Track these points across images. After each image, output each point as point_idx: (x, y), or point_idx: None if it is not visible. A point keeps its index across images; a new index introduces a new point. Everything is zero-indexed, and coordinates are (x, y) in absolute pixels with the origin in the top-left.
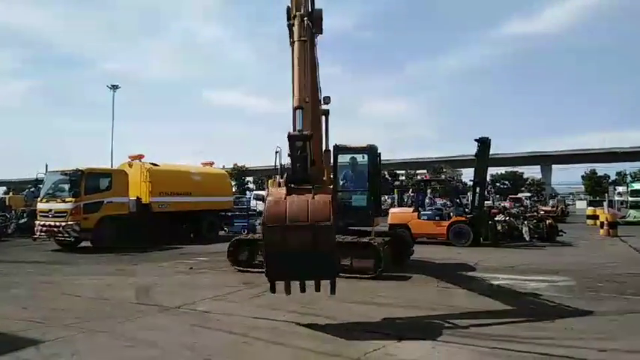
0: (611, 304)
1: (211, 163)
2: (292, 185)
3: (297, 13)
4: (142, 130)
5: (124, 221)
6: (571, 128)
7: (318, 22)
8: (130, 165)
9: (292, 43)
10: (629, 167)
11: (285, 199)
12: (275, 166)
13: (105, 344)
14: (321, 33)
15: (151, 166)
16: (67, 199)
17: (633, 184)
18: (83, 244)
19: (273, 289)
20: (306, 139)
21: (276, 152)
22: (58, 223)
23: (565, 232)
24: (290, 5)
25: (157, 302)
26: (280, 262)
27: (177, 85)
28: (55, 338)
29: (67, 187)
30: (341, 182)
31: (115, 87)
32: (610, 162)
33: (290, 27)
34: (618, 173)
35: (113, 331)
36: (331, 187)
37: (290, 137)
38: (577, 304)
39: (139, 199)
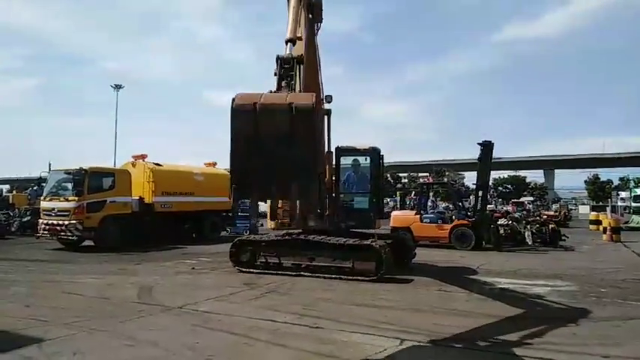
0: (614, 310)
1: (214, 164)
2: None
3: None
4: (142, 129)
5: (126, 221)
6: (574, 133)
7: (317, 10)
8: (133, 164)
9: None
10: (632, 173)
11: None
12: None
13: (106, 343)
14: (321, 22)
15: (154, 165)
16: (70, 198)
17: (636, 190)
18: (86, 243)
19: (234, 203)
20: (299, 62)
21: None
22: (60, 222)
23: (568, 237)
24: None
25: (158, 302)
26: (248, 163)
27: (178, 85)
28: (56, 337)
29: (70, 186)
30: (343, 184)
31: (118, 87)
32: (613, 167)
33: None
34: (621, 179)
35: (115, 331)
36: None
37: (278, 59)
38: (580, 310)
39: (141, 199)
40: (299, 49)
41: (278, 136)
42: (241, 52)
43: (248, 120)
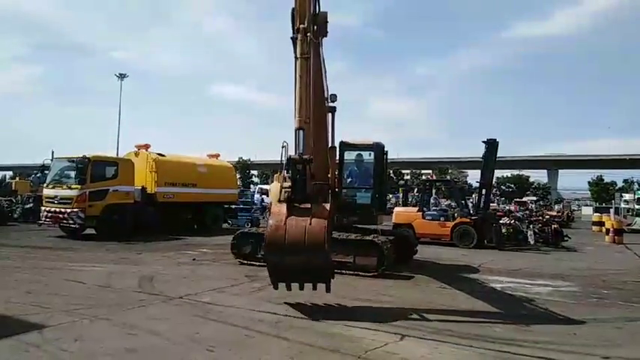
0: (615, 311)
1: (217, 155)
2: (294, 204)
3: (301, 27)
4: (147, 120)
5: (128, 210)
6: (579, 133)
7: (322, 25)
8: (137, 154)
9: (296, 58)
10: (636, 175)
11: (285, 223)
12: (281, 160)
13: (107, 331)
14: (326, 36)
15: (157, 156)
16: (72, 186)
17: None
18: (87, 231)
19: (275, 287)
20: (307, 163)
21: (283, 147)
22: (63, 210)
23: (570, 238)
24: (295, 8)
25: (160, 292)
26: (281, 274)
27: (185, 77)
28: (58, 323)
29: (73, 174)
30: (346, 179)
31: (122, 76)
32: (617, 169)
33: (294, 40)
34: (625, 180)
35: (116, 319)
36: (328, 205)
37: (291, 160)
38: (581, 310)
39: (144, 189)
40: (308, 134)
41: (301, 264)
42: (248, 45)
43: (277, 257)
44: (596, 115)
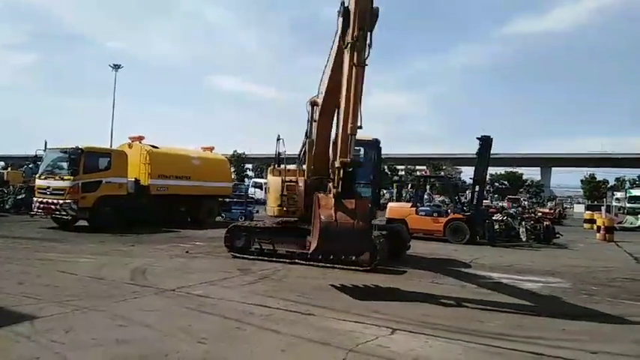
0: (605, 308)
1: (211, 148)
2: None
3: (360, 33)
4: (143, 111)
5: (121, 202)
6: (573, 131)
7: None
8: (130, 146)
9: (350, 67)
10: (628, 173)
11: (335, 216)
12: (277, 153)
13: (99, 323)
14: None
15: (151, 148)
16: (65, 177)
17: (631, 191)
18: (80, 223)
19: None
20: (357, 166)
21: (278, 139)
22: (55, 201)
23: (562, 235)
24: (348, 7)
25: (152, 284)
26: (329, 253)
27: (182, 68)
28: (49, 314)
29: (65, 165)
30: None
31: (117, 67)
32: (610, 167)
33: (347, 45)
34: (617, 179)
35: (108, 311)
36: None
37: (347, 164)
38: (571, 306)
39: (137, 181)
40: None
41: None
42: (248, 39)
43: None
44: (590, 113)
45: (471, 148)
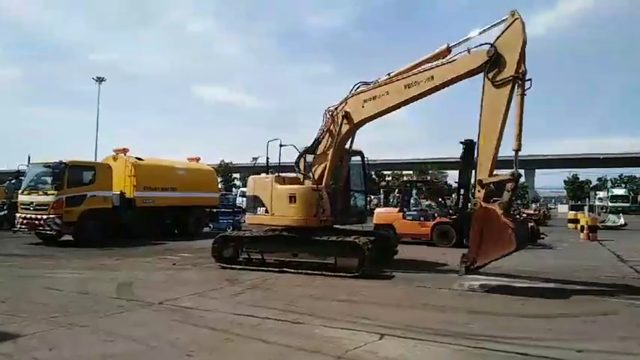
0: (590, 306)
1: (198, 159)
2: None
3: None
4: (128, 123)
5: (107, 215)
6: (555, 133)
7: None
8: (115, 159)
9: (522, 95)
10: (610, 173)
11: (515, 226)
12: (279, 162)
13: (84, 339)
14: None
15: (136, 160)
16: (49, 192)
17: (613, 190)
18: (65, 238)
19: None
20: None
21: (280, 145)
22: (39, 216)
23: (546, 235)
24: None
25: (138, 298)
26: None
27: (167, 79)
28: (34, 332)
29: (49, 179)
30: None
31: (100, 79)
32: (592, 167)
33: (518, 79)
34: (599, 179)
35: (93, 326)
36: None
37: (515, 179)
38: (557, 306)
39: (122, 194)
40: None
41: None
42: (232, 48)
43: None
44: (572, 114)
45: (457, 153)
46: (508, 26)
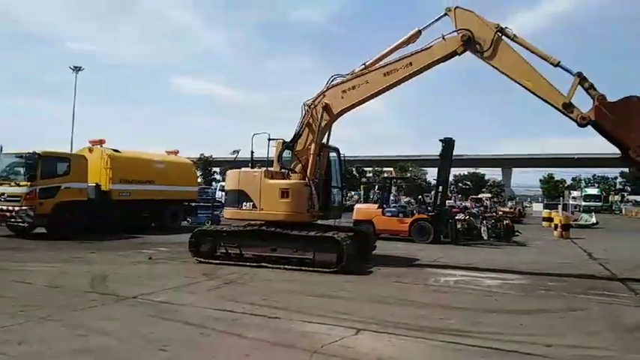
0: (561, 302)
1: (176, 152)
2: None
3: None
4: (106, 114)
5: (81, 208)
6: (532, 133)
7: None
8: (91, 150)
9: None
10: (583, 173)
11: None
12: (267, 156)
13: (55, 333)
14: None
15: (112, 152)
16: (21, 183)
17: (587, 189)
18: (38, 230)
19: None
20: None
21: (269, 139)
22: (11, 208)
23: (521, 233)
24: None
25: (113, 292)
26: None
27: (147, 70)
28: (2, 326)
29: (22, 170)
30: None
31: (77, 69)
32: (566, 167)
33: None
34: (574, 179)
35: (65, 320)
36: None
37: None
38: (529, 301)
39: (98, 186)
40: None
41: None
42: (212, 38)
43: None
44: (548, 115)
45: (436, 150)
46: (455, 17)
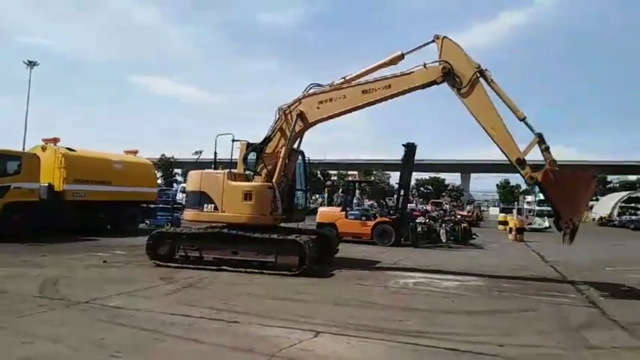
0: (514, 303)
1: (135, 152)
2: None
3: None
4: (63, 111)
5: (33, 209)
6: (490, 140)
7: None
8: (44, 149)
9: None
10: None
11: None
12: (230, 158)
13: (0, 340)
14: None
15: (67, 150)
16: None
17: (540, 195)
18: None
19: None
20: None
21: (233, 140)
22: None
23: (478, 236)
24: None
25: (63, 296)
26: None
27: (107, 68)
28: None
29: None
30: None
31: (32, 63)
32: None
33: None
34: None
35: (11, 327)
36: None
37: (541, 139)
38: (484, 303)
39: (51, 186)
40: None
41: None
42: (177, 38)
43: None
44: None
45: (399, 155)
46: (441, 46)
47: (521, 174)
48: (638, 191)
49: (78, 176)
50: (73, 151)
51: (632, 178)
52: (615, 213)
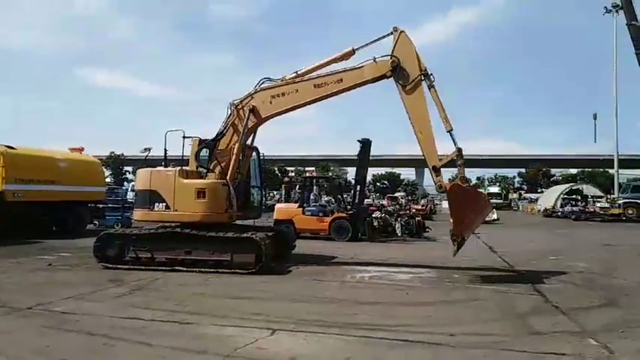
0: (465, 293)
1: (81, 149)
2: None
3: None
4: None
5: None
6: (445, 135)
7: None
8: None
9: None
10: (487, 173)
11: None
12: (182, 154)
13: None
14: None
15: (6, 148)
16: None
17: (489, 188)
18: None
19: None
20: None
21: (183, 137)
22: None
23: (431, 229)
24: None
25: (4, 302)
26: None
27: (49, 59)
28: None
29: None
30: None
31: None
32: (473, 167)
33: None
34: (478, 178)
35: None
36: None
37: (461, 154)
38: (437, 294)
39: None
40: None
41: None
42: (125, 29)
43: None
44: (457, 119)
45: (356, 150)
46: (397, 40)
47: (433, 180)
48: (578, 183)
49: (19, 175)
50: (14, 149)
51: (573, 171)
52: (559, 204)
